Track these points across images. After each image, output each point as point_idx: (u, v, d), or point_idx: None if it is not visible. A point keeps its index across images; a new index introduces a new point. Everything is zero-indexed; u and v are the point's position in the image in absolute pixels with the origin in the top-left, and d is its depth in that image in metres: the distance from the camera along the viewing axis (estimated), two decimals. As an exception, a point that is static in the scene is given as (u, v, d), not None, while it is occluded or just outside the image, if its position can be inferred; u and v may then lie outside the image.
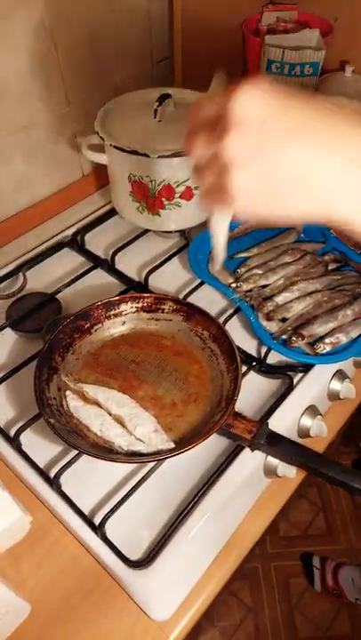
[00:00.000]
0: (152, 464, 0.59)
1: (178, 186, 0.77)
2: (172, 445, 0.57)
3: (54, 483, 0.58)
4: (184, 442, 0.58)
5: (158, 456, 0.56)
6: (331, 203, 0.32)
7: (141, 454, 0.57)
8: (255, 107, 0.32)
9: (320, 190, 0.32)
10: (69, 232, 0.91)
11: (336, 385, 0.68)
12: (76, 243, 0.88)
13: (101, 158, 0.80)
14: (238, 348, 0.64)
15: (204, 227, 0.86)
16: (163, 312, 0.70)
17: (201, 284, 0.78)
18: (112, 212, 0.92)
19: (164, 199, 0.79)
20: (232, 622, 1.42)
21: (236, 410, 0.59)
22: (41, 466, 0.60)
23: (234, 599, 1.45)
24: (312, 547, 1.54)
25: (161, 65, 1.00)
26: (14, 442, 0.61)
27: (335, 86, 0.95)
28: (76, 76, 0.85)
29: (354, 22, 1.04)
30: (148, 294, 0.70)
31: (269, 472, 0.62)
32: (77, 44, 0.82)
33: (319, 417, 0.65)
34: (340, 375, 0.69)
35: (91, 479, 0.60)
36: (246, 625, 1.42)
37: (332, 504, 1.63)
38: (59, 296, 0.79)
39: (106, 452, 0.57)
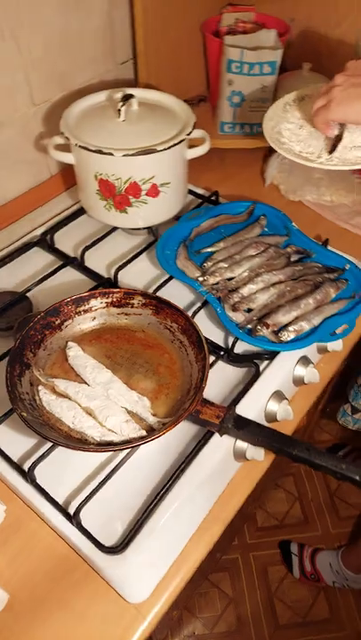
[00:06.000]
0: (125, 452, 0.61)
1: (144, 183, 0.79)
2: (144, 433, 0.59)
3: (28, 475, 0.59)
4: (157, 430, 0.60)
5: (130, 444, 0.57)
6: None
7: (114, 444, 0.59)
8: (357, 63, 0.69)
9: None
10: (39, 232, 0.91)
11: (300, 370, 0.71)
12: (45, 242, 0.89)
13: (68, 158, 0.82)
14: (207, 339, 0.65)
15: (171, 223, 0.88)
16: (132, 307, 0.71)
17: (169, 278, 0.79)
18: (81, 211, 0.93)
19: (130, 197, 0.80)
20: (214, 613, 1.44)
21: (207, 398, 0.61)
22: (15, 459, 0.61)
23: (215, 590, 1.48)
24: (290, 535, 1.58)
25: (125, 66, 1.01)
26: (-12, 437, 0.62)
27: (293, 84, 0.98)
28: (41, 77, 0.86)
29: (309, 22, 1.08)
30: (118, 289, 0.71)
31: (239, 456, 0.64)
32: (42, 45, 0.83)
33: (285, 401, 0.68)
34: (305, 361, 0.72)
35: (65, 470, 0.61)
36: (228, 615, 1.44)
37: (307, 493, 1.67)
38: (29, 294, 0.80)
39: (78, 442, 0.59)
